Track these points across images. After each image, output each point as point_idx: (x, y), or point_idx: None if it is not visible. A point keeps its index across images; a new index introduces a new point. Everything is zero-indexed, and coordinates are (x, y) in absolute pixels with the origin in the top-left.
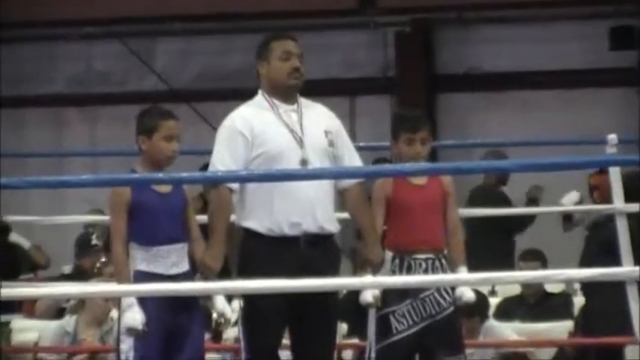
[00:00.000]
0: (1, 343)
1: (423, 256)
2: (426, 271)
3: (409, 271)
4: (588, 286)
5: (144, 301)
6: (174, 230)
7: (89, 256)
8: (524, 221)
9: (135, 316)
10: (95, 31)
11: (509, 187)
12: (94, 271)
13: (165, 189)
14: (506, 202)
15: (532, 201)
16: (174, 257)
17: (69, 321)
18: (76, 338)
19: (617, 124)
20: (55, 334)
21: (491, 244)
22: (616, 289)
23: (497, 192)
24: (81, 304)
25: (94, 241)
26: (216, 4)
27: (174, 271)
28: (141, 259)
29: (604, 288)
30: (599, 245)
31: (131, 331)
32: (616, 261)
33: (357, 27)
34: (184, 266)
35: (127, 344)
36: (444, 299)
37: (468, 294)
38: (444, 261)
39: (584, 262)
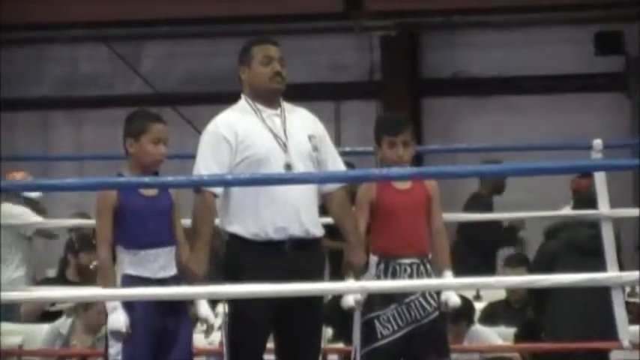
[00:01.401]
0: None
1: (408, 261)
2: (411, 276)
3: (394, 275)
4: (545, 293)
5: (132, 304)
6: (161, 233)
7: (88, 252)
8: (507, 238)
9: (119, 318)
10: (82, 34)
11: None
12: (89, 269)
13: (151, 192)
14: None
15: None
16: (161, 261)
17: (64, 323)
18: (69, 342)
19: (606, 129)
20: (48, 334)
21: (472, 257)
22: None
23: (485, 201)
24: (80, 307)
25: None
26: (203, 7)
27: (161, 274)
28: (128, 262)
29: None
30: (544, 254)
31: (115, 333)
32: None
33: (343, 31)
34: (172, 270)
35: (115, 349)
36: (429, 304)
37: (453, 299)
38: (428, 265)
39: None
